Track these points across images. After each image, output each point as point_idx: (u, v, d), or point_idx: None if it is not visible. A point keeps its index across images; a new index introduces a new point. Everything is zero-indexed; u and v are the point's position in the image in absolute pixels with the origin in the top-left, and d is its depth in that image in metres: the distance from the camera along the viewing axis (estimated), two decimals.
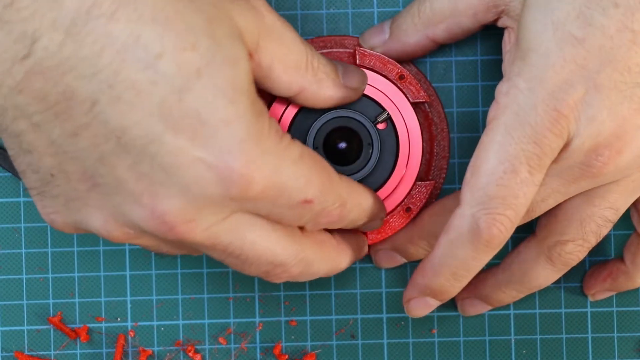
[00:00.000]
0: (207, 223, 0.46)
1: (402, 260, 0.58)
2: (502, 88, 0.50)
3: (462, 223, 0.50)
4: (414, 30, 0.55)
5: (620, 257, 0.58)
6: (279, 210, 0.48)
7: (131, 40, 0.43)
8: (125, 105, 0.43)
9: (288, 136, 0.48)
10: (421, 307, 0.55)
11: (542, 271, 0.55)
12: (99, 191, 0.46)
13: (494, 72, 0.59)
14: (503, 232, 0.50)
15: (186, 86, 0.43)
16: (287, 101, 0.55)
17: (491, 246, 0.51)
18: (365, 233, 0.56)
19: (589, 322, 0.60)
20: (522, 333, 0.60)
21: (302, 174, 0.47)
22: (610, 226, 0.53)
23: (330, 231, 0.53)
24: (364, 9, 0.59)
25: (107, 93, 0.43)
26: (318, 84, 0.52)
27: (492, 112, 0.50)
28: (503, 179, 0.49)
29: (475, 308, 0.58)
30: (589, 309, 0.60)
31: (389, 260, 0.58)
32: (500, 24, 0.54)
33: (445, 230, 0.51)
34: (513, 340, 0.60)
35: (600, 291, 0.59)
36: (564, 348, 0.60)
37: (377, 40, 0.56)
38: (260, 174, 0.45)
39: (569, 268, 0.54)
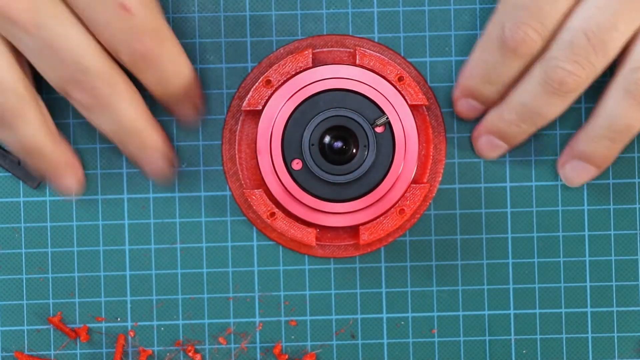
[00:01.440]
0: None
1: (503, 146, 0.57)
2: None
3: (492, 30, 0.53)
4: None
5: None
6: (96, 5, 0.51)
7: None
8: None
9: None
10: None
11: (625, 108, 0.53)
12: None
13: None
14: (527, 41, 0.52)
15: None
16: (286, 96, 0.55)
17: (517, 53, 0.53)
18: None
19: (589, 322, 0.60)
20: (522, 333, 0.60)
21: None
22: None
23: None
24: (364, 9, 0.59)
25: None
26: None
27: None
28: None
29: (578, 172, 0.57)
30: (589, 309, 0.60)
31: (490, 146, 0.58)
32: None
33: (480, 39, 0.54)
34: (513, 340, 0.60)
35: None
36: (564, 348, 0.60)
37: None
38: None
39: None
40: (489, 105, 0.57)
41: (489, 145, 0.57)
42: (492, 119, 0.57)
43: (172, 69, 0.54)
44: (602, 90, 0.55)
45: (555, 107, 0.54)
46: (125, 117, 0.54)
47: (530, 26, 0.52)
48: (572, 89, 0.53)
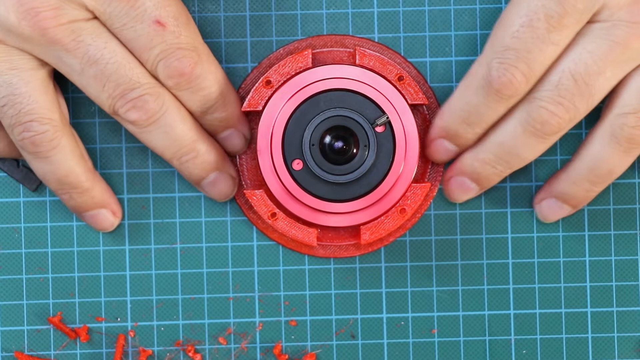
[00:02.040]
0: (71, 16, 0.50)
1: (475, 188, 0.57)
2: None
3: (478, 70, 0.53)
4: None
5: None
6: (132, 24, 0.51)
7: None
8: None
9: None
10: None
11: (610, 153, 0.53)
12: None
13: None
14: (514, 83, 0.51)
15: None
16: (286, 95, 0.55)
17: (502, 95, 0.52)
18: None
19: (589, 322, 0.60)
20: (522, 333, 0.60)
21: None
22: None
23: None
24: (364, 9, 0.58)
25: None
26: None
27: None
28: (519, 32, 0.51)
29: (554, 210, 0.57)
30: (589, 309, 0.60)
31: (462, 189, 0.57)
32: None
33: (464, 76, 0.53)
34: (513, 340, 0.60)
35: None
36: (564, 348, 0.60)
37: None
38: None
39: (636, 147, 0.53)
40: (463, 149, 0.56)
41: (460, 187, 0.56)
42: (467, 159, 0.56)
43: (211, 85, 0.54)
44: (587, 133, 0.55)
45: (534, 149, 0.54)
46: (178, 130, 0.54)
47: (518, 69, 0.51)
48: (553, 131, 0.52)
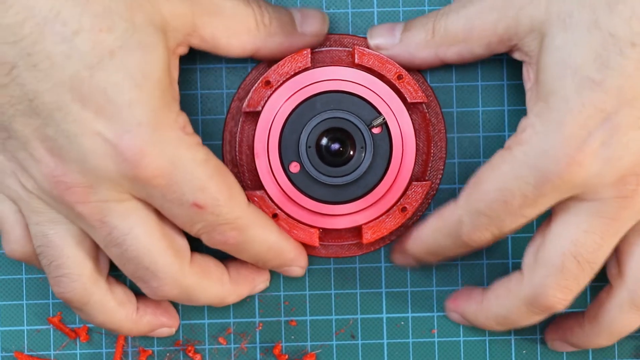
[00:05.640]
0: (102, 196, 0.50)
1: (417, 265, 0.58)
2: (522, 123, 0.51)
3: (450, 217, 0.53)
4: (425, 47, 0.55)
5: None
6: (170, 206, 0.50)
7: (52, 14, 0.47)
8: (40, 73, 0.47)
9: (198, 139, 0.51)
10: (403, 262, 0.58)
11: (630, 318, 0.54)
12: (11, 144, 0.50)
13: (495, 72, 0.59)
14: (482, 240, 0.53)
15: (98, 64, 0.47)
16: (285, 96, 0.55)
17: (470, 247, 0.54)
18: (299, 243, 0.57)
19: None
20: (522, 333, 0.60)
21: (199, 177, 0.50)
22: None
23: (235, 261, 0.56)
24: (364, 9, 0.58)
25: (26, 60, 0.47)
26: (273, 38, 0.54)
27: (510, 140, 0.52)
28: (493, 204, 0.52)
29: (565, 349, 0.59)
30: None
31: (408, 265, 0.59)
32: (514, 56, 0.54)
33: (437, 213, 0.54)
34: (513, 340, 0.60)
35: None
36: None
37: (386, 42, 0.56)
38: (151, 159, 0.48)
39: None
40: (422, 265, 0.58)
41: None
42: (470, 312, 0.57)
43: (259, 248, 0.54)
44: (599, 294, 0.56)
45: (535, 321, 0.55)
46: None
47: (488, 231, 0.52)
48: (557, 310, 0.54)
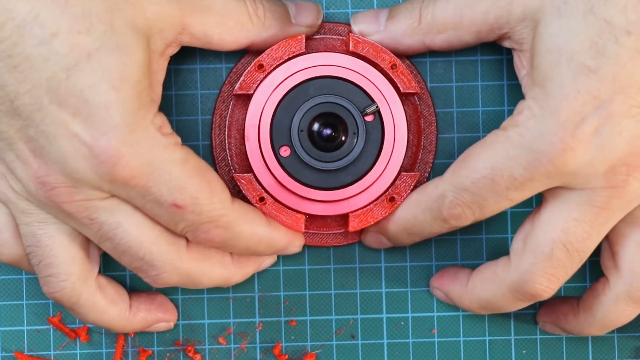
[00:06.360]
0: (86, 195, 0.50)
1: (389, 244, 0.58)
2: (519, 106, 0.51)
3: (433, 191, 0.54)
4: (411, 34, 0.55)
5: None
6: (151, 206, 0.51)
7: (30, 17, 0.47)
8: (20, 75, 0.48)
9: (177, 139, 0.51)
10: (374, 241, 0.58)
11: (625, 311, 0.55)
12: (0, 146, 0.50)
13: (494, 72, 0.59)
14: (462, 218, 0.53)
15: (75, 66, 0.47)
16: (276, 83, 0.55)
17: (448, 224, 0.54)
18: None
19: None
20: (522, 333, 0.60)
21: (176, 177, 0.50)
22: None
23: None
24: (363, 9, 0.58)
25: (6, 61, 0.47)
26: (267, 31, 0.54)
27: (506, 122, 0.52)
28: (479, 181, 0.52)
29: (556, 332, 0.59)
30: None
31: (380, 245, 0.58)
32: (503, 44, 0.54)
33: (420, 188, 0.55)
34: (513, 340, 0.60)
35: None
36: (564, 348, 0.60)
37: (370, 28, 0.56)
38: (127, 160, 0.49)
39: None
40: (397, 245, 0.58)
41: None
42: (455, 292, 0.57)
43: (248, 241, 0.54)
44: (594, 285, 0.56)
45: (519, 307, 0.55)
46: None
47: (470, 208, 0.52)
48: (544, 298, 0.54)
